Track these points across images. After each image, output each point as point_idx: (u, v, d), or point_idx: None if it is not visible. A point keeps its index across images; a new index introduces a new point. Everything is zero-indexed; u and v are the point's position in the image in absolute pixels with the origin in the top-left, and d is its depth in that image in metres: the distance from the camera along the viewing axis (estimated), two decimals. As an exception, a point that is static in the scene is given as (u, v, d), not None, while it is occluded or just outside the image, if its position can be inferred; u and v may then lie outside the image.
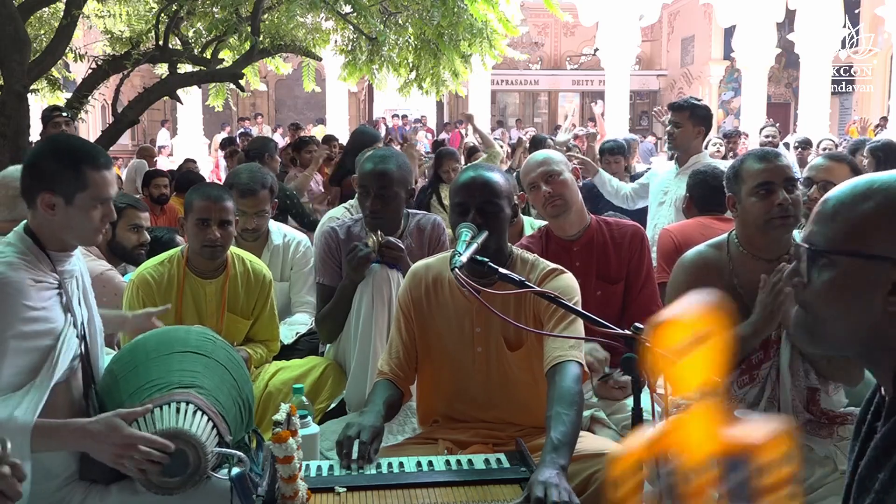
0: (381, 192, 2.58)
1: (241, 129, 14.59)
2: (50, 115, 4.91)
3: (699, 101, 4.17)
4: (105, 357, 2.05)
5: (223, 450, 1.75)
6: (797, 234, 2.20)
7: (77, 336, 1.83)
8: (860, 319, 1.01)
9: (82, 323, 1.87)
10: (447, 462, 1.72)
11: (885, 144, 5.11)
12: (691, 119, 3.99)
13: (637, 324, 1.44)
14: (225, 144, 10.11)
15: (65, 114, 4.91)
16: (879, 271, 0.98)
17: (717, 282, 2.12)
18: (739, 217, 2.15)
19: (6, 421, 1.63)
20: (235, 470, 1.68)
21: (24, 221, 1.83)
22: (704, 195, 3.37)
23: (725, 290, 2.10)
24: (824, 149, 7.17)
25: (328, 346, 2.82)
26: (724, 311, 1.05)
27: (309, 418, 2.01)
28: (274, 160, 5.46)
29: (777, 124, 8.99)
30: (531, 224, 3.40)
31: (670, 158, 4.32)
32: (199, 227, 2.56)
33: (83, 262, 1.97)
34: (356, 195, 2.90)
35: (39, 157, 1.82)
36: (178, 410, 1.73)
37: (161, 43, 5.65)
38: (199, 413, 1.75)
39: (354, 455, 1.71)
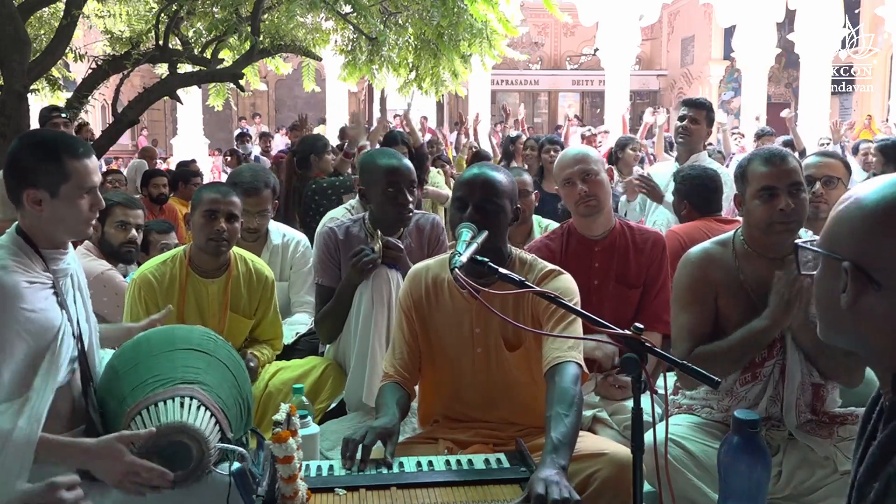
0: (410, 187, 2.59)
1: (243, 130, 14.50)
2: (48, 115, 4.89)
3: None
4: (104, 356, 2.05)
5: (225, 445, 1.76)
6: (804, 233, 2.20)
7: (73, 335, 1.83)
8: (833, 313, 1.08)
9: (77, 321, 1.86)
10: (447, 462, 1.72)
11: (894, 143, 5.21)
12: (706, 119, 4.05)
13: (637, 324, 1.44)
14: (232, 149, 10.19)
15: (63, 115, 4.89)
16: (838, 269, 1.05)
17: (723, 277, 2.12)
18: (745, 217, 2.14)
19: (9, 432, 1.62)
20: (236, 465, 1.68)
21: (17, 223, 1.82)
22: (703, 198, 3.37)
23: (731, 286, 2.10)
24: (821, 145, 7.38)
25: (328, 346, 2.82)
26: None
27: (309, 418, 2.01)
28: (324, 160, 4.85)
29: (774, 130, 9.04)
30: (539, 223, 3.37)
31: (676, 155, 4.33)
32: (207, 219, 2.56)
33: (77, 261, 1.96)
34: (356, 196, 2.89)
35: (18, 155, 1.78)
36: (182, 405, 1.74)
37: (161, 43, 5.64)
38: (202, 408, 1.76)
39: (357, 457, 1.70)
